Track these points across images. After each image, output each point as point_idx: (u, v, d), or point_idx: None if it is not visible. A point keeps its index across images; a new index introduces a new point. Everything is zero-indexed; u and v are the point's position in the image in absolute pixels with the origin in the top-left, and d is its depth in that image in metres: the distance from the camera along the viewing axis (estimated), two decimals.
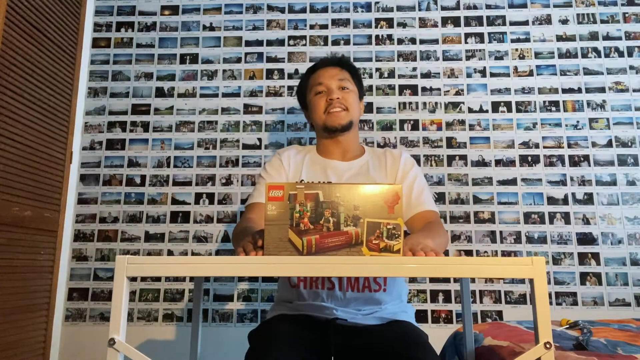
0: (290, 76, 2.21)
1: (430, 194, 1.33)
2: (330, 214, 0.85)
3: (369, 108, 2.15)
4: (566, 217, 2.03)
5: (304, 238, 0.84)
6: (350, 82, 1.39)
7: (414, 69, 2.19)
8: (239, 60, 2.23)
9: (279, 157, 1.38)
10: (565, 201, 2.05)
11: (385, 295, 1.22)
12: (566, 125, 2.11)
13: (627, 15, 2.20)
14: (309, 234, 0.84)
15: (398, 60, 2.20)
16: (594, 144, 2.09)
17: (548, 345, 0.76)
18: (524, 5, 2.23)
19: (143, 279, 2.04)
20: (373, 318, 1.19)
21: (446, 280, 2.01)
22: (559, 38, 2.20)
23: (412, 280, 2.01)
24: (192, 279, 1.97)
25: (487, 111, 2.14)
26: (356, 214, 0.85)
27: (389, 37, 2.23)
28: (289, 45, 2.24)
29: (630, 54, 2.16)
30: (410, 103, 2.16)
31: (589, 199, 2.05)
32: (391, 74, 2.19)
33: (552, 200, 2.05)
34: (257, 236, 0.92)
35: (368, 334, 1.14)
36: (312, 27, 2.25)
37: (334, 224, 0.85)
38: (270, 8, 2.27)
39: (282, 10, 2.27)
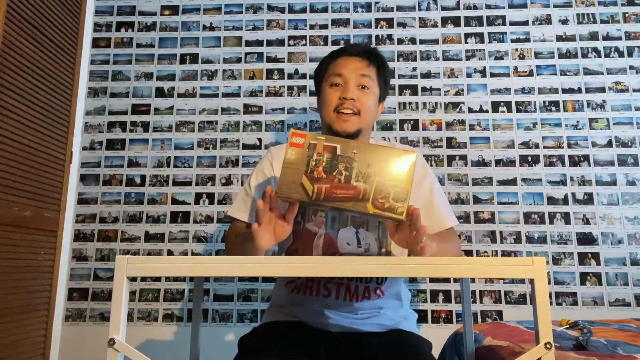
0: (290, 76, 2.21)
1: (447, 204, 1.27)
2: (344, 168, 0.89)
3: None
4: (566, 217, 2.03)
5: (316, 185, 0.89)
6: (374, 81, 1.24)
7: (414, 69, 2.19)
8: (239, 60, 2.23)
9: (270, 162, 1.27)
10: (565, 201, 2.05)
11: (383, 299, 1.18)
12: (566, 125, 2.11)
13: (627, 15, 2.20)
14: (321, 182, 0.89)
15: (398, 60, 2.20)
16: (594, 144, 2.09)
17: (548, 346, 0.76)
18: (524, 5, 2.23)
19: (143, 279, 2.04)
20: (371, 325, 1.14)
21: (446, 280, 2.01)
22: (559, 38, 2.20)
23: (412, 280, 2.01)
24: (192, 279, 1.97)
25: (487, 111, 2.14)
26: (368, 172, 0.88)
27: (389, 37, 2.23)
28: (289, 45, 2.24)
29: (630, 54, 2.16)
30: (410, 103, 2.16)
31: (589, 199, 2.04)
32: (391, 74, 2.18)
33: (552, 200, 2.05)
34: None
35: (364, 344, 1.09)
36: (312, 27, 2.25)
37: (346, 178, 0.89)
38: (270, 8, 2.27)
39: (282, 10, 2.27)
